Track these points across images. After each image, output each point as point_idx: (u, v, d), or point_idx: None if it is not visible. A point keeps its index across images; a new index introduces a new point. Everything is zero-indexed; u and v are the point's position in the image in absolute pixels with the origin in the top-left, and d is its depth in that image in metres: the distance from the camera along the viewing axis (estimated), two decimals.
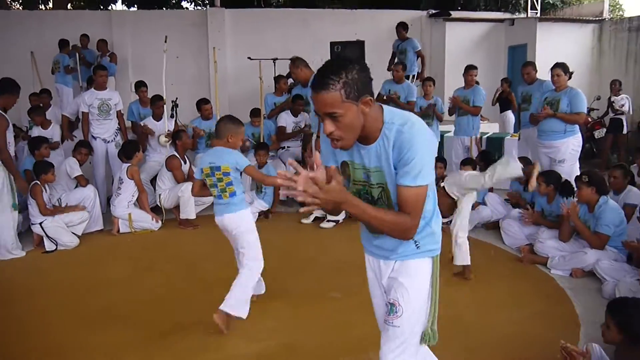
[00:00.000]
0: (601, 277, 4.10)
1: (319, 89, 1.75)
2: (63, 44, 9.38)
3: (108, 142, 6.87)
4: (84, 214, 5.80)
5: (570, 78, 5.74)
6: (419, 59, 8.83)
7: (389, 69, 8.30)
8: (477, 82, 7.13)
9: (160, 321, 3.75)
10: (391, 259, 2.11)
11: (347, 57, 1.87)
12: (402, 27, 8.71)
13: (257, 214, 6.43)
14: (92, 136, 6.79)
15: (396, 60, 8.79)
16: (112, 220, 6.07)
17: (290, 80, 8.81)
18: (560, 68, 5.67)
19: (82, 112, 6.76)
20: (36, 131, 6.76)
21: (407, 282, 2.08)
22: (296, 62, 5.76)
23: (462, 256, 4.30)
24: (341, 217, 6.12)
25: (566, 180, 5.12)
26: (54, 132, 6.87)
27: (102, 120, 6.78)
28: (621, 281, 3.80)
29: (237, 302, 3.49)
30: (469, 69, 7.03)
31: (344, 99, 1.73)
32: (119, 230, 6.01)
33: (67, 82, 9.30)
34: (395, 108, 1.92)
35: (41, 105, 7.45)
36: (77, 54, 9.38)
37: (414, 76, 8.77)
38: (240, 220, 3.65)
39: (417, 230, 1.96)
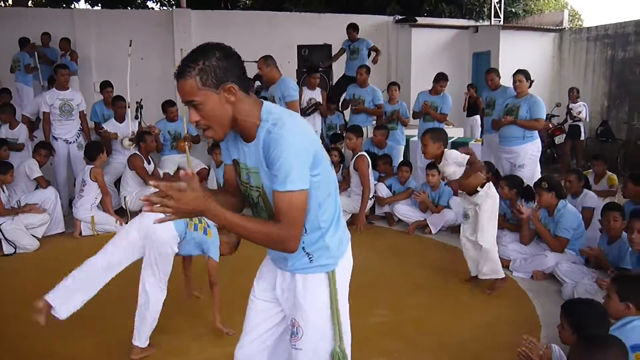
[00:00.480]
0: (561, 279, 4.22)
1: (178, 78, 1.71)
2: (23, 42, 9.14)
3: (70, 143, 6.72)
4: (45, 216, 5.66)
5: (530, 86, 5.90)
6: (374, 55, 8.69)
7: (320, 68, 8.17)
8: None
9: (123, 326, 3.68)
10: (285, 269, 1.98)
11: (212, 43, 1.78)
12: (352, 28, 8.64)
13: None
14: (54, 137, 6.63)
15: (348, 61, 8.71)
16: (74, 223, 5.94)
17: (257, 83, 8.80)
18: (522, 74, 5.82)
19: (43, 112, 6.59)
20: (3, 130, 6.55)
21: (303, 301, 1.94)
22: (268, 60, 5.74)
23: (493, 268, 4.10)
24: None
25: (527, 185, 5.25)
26: (20, 133, 6.64)
27: (63, 120, 6.63)
28: (580, 283, 3.92)
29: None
30: (440, 79, 7.05)
31: (199, 86, 1.68)
32: (81, 233, 5.88)
33: (27, 81, 9.07)
34: (277, 106, 1.83)
35: (9, 104, 7.19)
36: (37, 53, 9.16)
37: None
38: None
39: (311, 241, 1.87)
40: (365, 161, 5.94)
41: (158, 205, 1.56)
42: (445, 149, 3.91)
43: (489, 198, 4.01)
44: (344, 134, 6.43)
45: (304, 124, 1.79)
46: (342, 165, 6.78)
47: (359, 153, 6.01)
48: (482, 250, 4.06)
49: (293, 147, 1.67)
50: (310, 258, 1.91)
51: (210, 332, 3.58)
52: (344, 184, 6.40)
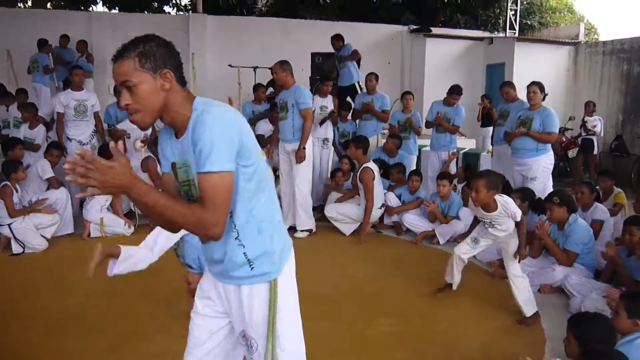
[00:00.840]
0: (569, 292, 4.18)
1: (115, 59, 1.71)
2: (42, 43, 9.27)
3: (84, 144, 6.77)
4: (55, 217, 5.70)
5: (544, 98, 5.86)
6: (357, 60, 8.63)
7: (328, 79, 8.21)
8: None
9: (126, 327, 3.70)
10: (229, 283, 1.91)
11: (153, 34, 1.78)
12: (335, 38, 8.66)
13: None
14: (67, 138, 6.69)
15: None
16: (83, 224, 5.98)
17: (270, 90, 8.84)
18: (536, 86, 5.79)
19: (57, 113, 6.65)
20: (22, 129, 6.64)
21: (251, 313, 1.88)
22: (284, 65, 5.79)
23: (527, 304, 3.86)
24: (314, 226, 6.13)
25: (538, 197, 5.21)
26: (38, 133, 6.72)
27: (78, 121, 6.69)
28: (587, 297, 3.87)
29: None
30: (454, 92, 7.05)
31: (137, 66, 1.68)
32: (89, 235, 5.92)
33: (45, 82, 9.20)
34: (210, 99, 1.79)
35: (31, 103, 7.27)
36: (51, 54, 9.28)
37: (358, 82, 8.61)
38: None
39: (252, 246, 1.82)
40: (370, 173, 5.91)
41: (82, 176, 1.50)
42: (500, 197, 3.66)
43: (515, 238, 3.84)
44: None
45: (233, 114, 1.76)
46: (352, 174, 6.78)
47: (364, 165, 5.99)
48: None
49: (215, 129, 1.65)
50: (251, 266, 1.85)
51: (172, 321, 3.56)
52: (353, 191, 6.40)
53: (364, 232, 5.91)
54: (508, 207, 3.65)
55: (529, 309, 3.82)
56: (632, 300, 2.65)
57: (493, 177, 3.68)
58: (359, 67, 8.73)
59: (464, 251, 4.07)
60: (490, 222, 3.77)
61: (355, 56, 8.39)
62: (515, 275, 3.84)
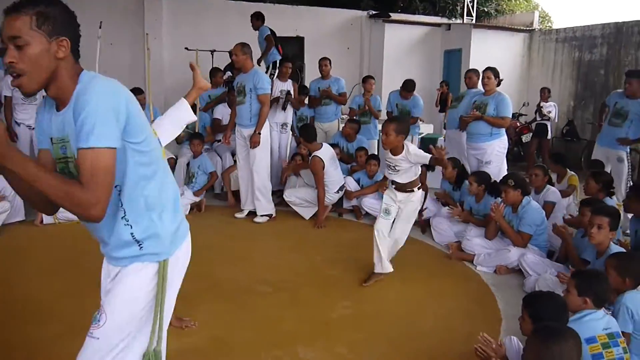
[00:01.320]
0: (525, 270, 4.31)
1: (8, 12, 1.58)
2: None
3: (33, 128, 6.54)
4: (5, 204, 5.50)
5: (499, 84, 5.97)
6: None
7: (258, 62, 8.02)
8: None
9: (83, 315, 3.60)
10: (118, 264, 1.83)
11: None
12: (255, 17, 8.52)
13: (189, 206, 6.33)
14: (16, 122, 6.44)
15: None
16: (35, 211, 5.79)
17: (229, 74, 8.70)
18: (490, 71, 5.90)
19: (5, 96, 6.40)
20: None
21: (119, 289, 1.78)
22: (245, 47, 5.74)
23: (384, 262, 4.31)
24: (273, 210, 6.10)
25: (494, 180, 5.32)
26: None
27: (27, 105, 6.43)
28: (541, 276, 4.00)
29: None
30: (407, 89, 7.28)
31: (33, 26, 1.57)
32: (42, 221, 5.74)
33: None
34: (98, 74, 1.69)
35: None
36: None
37: (275, 63, 8.24)
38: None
39: (141, 227, 1.74)
40: (319, 163, 5.88)
41: None
42: (407, 142, 3.97)
43: (418, 202, 4.24)
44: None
45: (120, 87, 1.66)
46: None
47: (314, 154, 5.95)
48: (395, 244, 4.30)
49: (100, 102, 1.55)
50: (140, 245, 1.77)
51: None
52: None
53: (320, 220, 5.94)
54: (413, 150, 3.95)
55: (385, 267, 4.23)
56: (581, 278, 2.73)
57: (402, 123, 4.01)
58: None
59: (381, 225, 4.25)
60: (394, 167, 4.04)
61: (269, 44, 8.25)
62: (399, 238, 4.27)
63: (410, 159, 3.97)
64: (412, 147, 3.98)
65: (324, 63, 7.44)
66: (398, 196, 4.16)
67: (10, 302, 3.83)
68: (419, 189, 4.19)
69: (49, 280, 4.25)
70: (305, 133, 6.13)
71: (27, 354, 3.15)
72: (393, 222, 4.23)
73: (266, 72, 7.78)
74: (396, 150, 3.98)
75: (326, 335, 3.46)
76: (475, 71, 6.86)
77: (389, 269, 4.25)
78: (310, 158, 5.98)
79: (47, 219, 5.74)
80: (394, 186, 4.19)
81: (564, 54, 10.98)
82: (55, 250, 5.08)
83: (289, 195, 6.25)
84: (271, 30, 8.25)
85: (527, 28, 12.10)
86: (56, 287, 4.11)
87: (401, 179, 4.09)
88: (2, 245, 5.15)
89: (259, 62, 8.16)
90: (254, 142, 5.76)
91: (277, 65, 7.82)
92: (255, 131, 5.75)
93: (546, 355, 2.06)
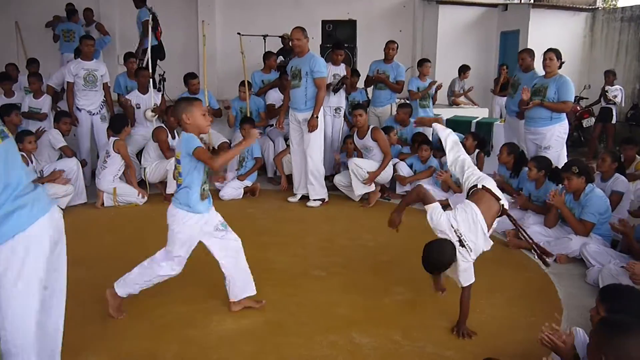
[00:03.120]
0: (587, 261, 4.15)
1: None
2: (71, 12, 9.17)
3: (93, 114, 6.75)
4: (69, 187, 5.71)
5: (561, 66, 5.73)
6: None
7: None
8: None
9: (143, 296, 3.71)
10: None
11: None
12: None
13: (243, 190, 6.40)
14: (77, 108, 6.66)
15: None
16: (96, 194, 5.99)
17: (281, 58, 8.71)
18: (553, 52, 5.65)
19: (67, 82, 6.62)
20: (27, 99, 6.62)
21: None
22: (304, 32, 5.78)
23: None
24: (326, 195, 6.10)
25: (556, 167, 5.14)
26: (44, 103, 6.71)
27: (87, 91, 6.65)
28: (605, 267, 3.84)
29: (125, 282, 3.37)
30: (388, 44, 7.33)
31: None
32: (103, 204, 5.94)
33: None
34: None
35: (38, 73, 7.18)
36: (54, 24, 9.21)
37: (145, 50, 7.80)
38: (173, 218, 3.24)
39: None
40: (381, 131, 6.13)
41: None
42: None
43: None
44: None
45: None
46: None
47: (372, 126, 6.17)
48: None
49: None
50: None
51: (228, 304, 3.58)
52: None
53: (370, 179, 5.98)
54: None
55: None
56: None
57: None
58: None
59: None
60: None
61: (145, 31, 7.86)
62: None
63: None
64: None
65: (391, 46, 7.34)
66: None
67: (73, 281, 3.97)
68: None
69: (108, 260, 4.39)
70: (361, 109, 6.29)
71: (87, 332, 3.26)
72: None
73: (135, 60, 7.63)
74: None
75: (381, 320, 3.44)
76: (530, 51, 6.58)
77: None
78: (371, 129, 6.09)
79: (107, 202, 5.93)
80: None
81: (629, 34, 10.43)
82: (115, 231, 5.25)
83: (340, 180, 6.24)
84: (153, 14, 7.84)
85: (590, 7, 11.56)
86: (116, 267, 4.22)
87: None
88: (66, 226, 5.32)
89: (135, 54, 8.01)
90: (312, 125, 5.77)
91: (149, 52, 7.37)
92: (313, 115, 5.75)
93: (608, 349, 1.95)
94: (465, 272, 3.17)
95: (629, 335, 1.96)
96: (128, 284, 3.35)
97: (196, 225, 3.23)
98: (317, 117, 5.76)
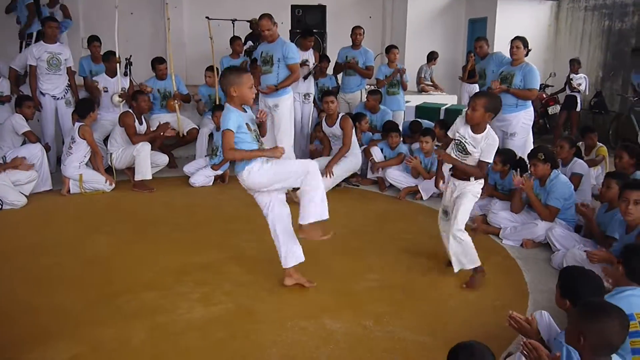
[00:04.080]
0: (553, 244, 4.25)
1: None
2: None
3: (58, 99, 6.57)
4: (32, 173, 5.56)
5: (527, 54, 5.82)
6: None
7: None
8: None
9: (109, 283, 3.67)
10: None
11: None
12: None
13: (213, 177, 6.34)
14: (41, 92, 6.47)
15: None
16: (62, 181, 5.86)
17: (250, 43, 8.62)
18: (520, 41, 5.74)
19: (30, 66, 6.42)
20: None
21: None
22: (273, 18, 5.73)
23: (469, 257, 3.73)
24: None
25: (520, 157, 5.25)
26: (3, 86, 6.52)
27: (51, 75, 6.46)
28: (570, 251, 3.94)
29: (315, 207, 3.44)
30: (354, 29, 7.35)
31: None
32: (69, 191, 5.81)
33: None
34: None
35: None
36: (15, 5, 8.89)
37: (31, 35, 7.67)
38: (248, 174, 3.41)
39: None
40: (350, 121, 6.06)
41: None
42: (492, 131, 3.56)
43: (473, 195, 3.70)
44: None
45: None
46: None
47: (342, 114, 6.13)
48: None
49: None
50: None
51: (197, 290, 3.57)
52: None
53: (330, 167, 5.93)
54: (490, 135, 3.53)
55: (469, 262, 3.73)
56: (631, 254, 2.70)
57: (494, 100, 3.56)
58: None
59: (442, 228, 3.95)
60: (464, 148, 3.60)
61: (31, 14, 7.85)
62: (458, 230, 3.67)
63: (480, 146, 3.53)
64: (492, 133, 3.55)
65: (358, 32, 7.33)
66: (457, 186, 3.71)
67: (38, 269, 3.90)
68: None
69: (73, 247, 4.31)
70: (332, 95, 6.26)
71: (54, 319, 3.20)
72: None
73: (21, 44, 7.55)
74: (478, 128, 3.55)
75: (352, 306, 3.46)
76: (486, 39, 6.71)
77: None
78: (340, 117, 6.07)
79: (74, 189, 5.80)
80: (451, 172, 3.80)
81: (593, 23, 10.65)
82: (81, 218, 5.15)
83: None
84: None
85: None
86: (81, 255, 4.18)
87: (472, 157, 3.63)
88: (30, 213, 5.24)
89: (20, 35, 7.91)
90: (269, 88, 5.74)
91: (36, 36, 7.29)
92: (276, 86, 5.74)
93: (588, 332, 2.02)
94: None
95: (608, 318, 2.04)
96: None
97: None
98: (278, 89, 5.75)
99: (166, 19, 6.97)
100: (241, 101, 3.28)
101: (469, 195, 3.65)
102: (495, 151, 3.60)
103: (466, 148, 3.59)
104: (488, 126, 3.57)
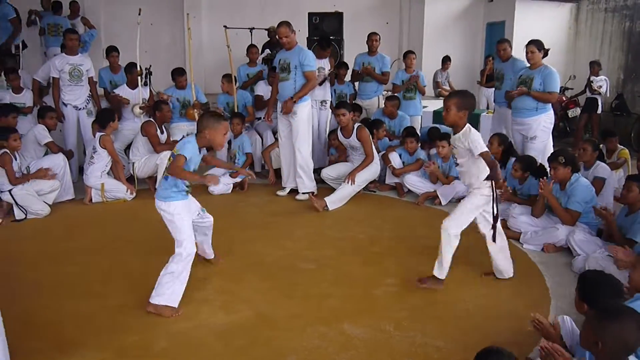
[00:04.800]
0: (574, 249, 4.20)
1: None
2: (57, 6, 9.06)
3: (80, 109, 6.68)
4: (55, 183, 5.66)
5: (545, 55, 5.77)
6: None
7: None
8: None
9: (131, 290, 3.71)
10: None
11: None
12: None
13: (232, 185, 6.39)
14: (63, 103, 6.59)
15: None
16: (84, 190, 5.95)
17: (267, 51, 8.68)
18: (534, 45, 5.68)
19: (52, 78, 6.54)
20: (7, 96, 6.54)
21: None
22: (291, 26, 5.76)
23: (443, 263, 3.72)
24: (315, 188, 6.10)
25: (540, 164, 5.20)
26: (26, 98, 6.66)
27: (73, 86, 6.58)
28: (591, 256, 3.89)
29: (167, 292, 3.37)
30: (370, 36, 7.39)
31: None
32: (91, 200, 5.90)
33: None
34: None
35: (15, 69, 7.11)
36: (37, 17, 9.08)
37: (18, 46, 8.02)
38: (167, 207, 3.41)
39: None
40: (367, 130, 6.01)
41: None
42: (470, 126, 3.53)
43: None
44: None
45: None
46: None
47: (357, 124, 6.06)
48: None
49: None
50: None
51: (217, 298, 3.60)
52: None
53: (353, 175, 5.86)
54: (473, 136, 3.46)
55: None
56: None
57: (466, 98, 3.54)
58: None
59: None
60: (455, 154, 3.65)
61: (16, 27, 8.04)
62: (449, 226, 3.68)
63: (464, 144, 3.50)
64: (474, 132, 3.50)
65: (374, 38, 7.35)
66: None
67: (62, 277, 3.97)
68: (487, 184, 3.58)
69: (96, 256, 4.38)
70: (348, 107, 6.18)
71: (78, 327, 3.25)
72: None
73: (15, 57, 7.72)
74: (457, 128, 3.54)
75: (371, 311, 3.46)
76: (509, 42, 6.64)
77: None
78: (356, 128, 5.99)
79: (96, 198, 5.89)
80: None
81: (613, 25, 10.52)
82: (103, 227, 5.22)
83: (328, 173, 6.24)
84: (15, 9, 8.03)
85: None
86: (104, 263, 4.24)
87: (464, 170, 3.63)
88: (54, 222, 5.33)
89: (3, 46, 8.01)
90: (287, 107, 5.74)
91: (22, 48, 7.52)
92: (292, 97, 5.74)
93: (604, 335, 1.99)
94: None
95: (624, 321, 2.00)
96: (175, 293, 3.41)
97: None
98: (295, 101, 5.75)
99: (187, 29, 7.05)
100: (209, 144, 3.40)
101: (477, 195, 3.63)
102: (480, 139, 3.49)
103: (456, 156, 3.63)
104: (467, 124, 3.53)
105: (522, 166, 5.05)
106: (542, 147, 5.75)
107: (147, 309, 3.37)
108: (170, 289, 3.36)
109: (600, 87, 9.08)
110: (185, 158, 3.31)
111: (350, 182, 5.82)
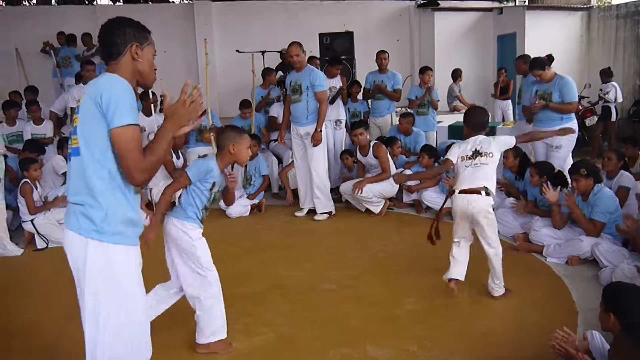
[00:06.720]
0: (600, 261, 4.10)
1: None
2: (71, 38, 9.28)
3: None
4: None
5: (551, 62, 5.72)
6: None
7: None
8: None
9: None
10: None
11: None
12: None
13: (250, 207, 6.39)
14: None
15: None
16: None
17: (280, 73, 8.75)
18: (538, 68, 5.63)
19: (71, 108, 6.66)
20: (29, 127, 6.66)
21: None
22: (302, 47, 5.81)
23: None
24: (333, 208, 6.08)
25: (559, 171, 5.12)
26: (46, 129, 6.78)
27: None
28: (618, 267, 3.80)
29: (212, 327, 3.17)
30: (379, 54, 7.38)
31: None
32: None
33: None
34: None
35: (36, 101, 7.25)
36: (53, 51, 9.29)
37: None
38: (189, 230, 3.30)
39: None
40: (384, 147, 6.06)
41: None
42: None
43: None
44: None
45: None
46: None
47: (373, 141, 6.14)
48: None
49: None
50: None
51: (239, 321, 3.57)
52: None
53: (363, 184, 5.92)
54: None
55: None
56: None
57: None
58: None
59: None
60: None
61: None
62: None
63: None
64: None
65: (382, 56, 7.36)
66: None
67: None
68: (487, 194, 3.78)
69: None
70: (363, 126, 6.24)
71: None
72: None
73: None
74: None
75: (394, 331, 3.41)
76: (523, 57, 6.63)
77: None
78: (373, 145, 6.05)
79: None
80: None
81: (626, 31, 10.44)
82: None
83: (345, 190, 6.23)
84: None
85: (585, 6, 11.60)
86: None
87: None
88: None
89: None
90: (316, 139, 5.77)
91: None
92: (316, 129, 5.76)
93: (635, 354, 1.93)
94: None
95: None
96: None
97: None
98: (320, 130, 5.77)
99: (202, 54, 7.13)
100: (235, 160, 3.13)
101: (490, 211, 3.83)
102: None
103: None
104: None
105: (538, 171, 4.97)
106: (565, 156, 5.67)
107: (198, 350, 3.18)
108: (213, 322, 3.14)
109: (607, 93, 8.97)
110: (190, 179, 3.15)
111: (359, 192, 5.84)
